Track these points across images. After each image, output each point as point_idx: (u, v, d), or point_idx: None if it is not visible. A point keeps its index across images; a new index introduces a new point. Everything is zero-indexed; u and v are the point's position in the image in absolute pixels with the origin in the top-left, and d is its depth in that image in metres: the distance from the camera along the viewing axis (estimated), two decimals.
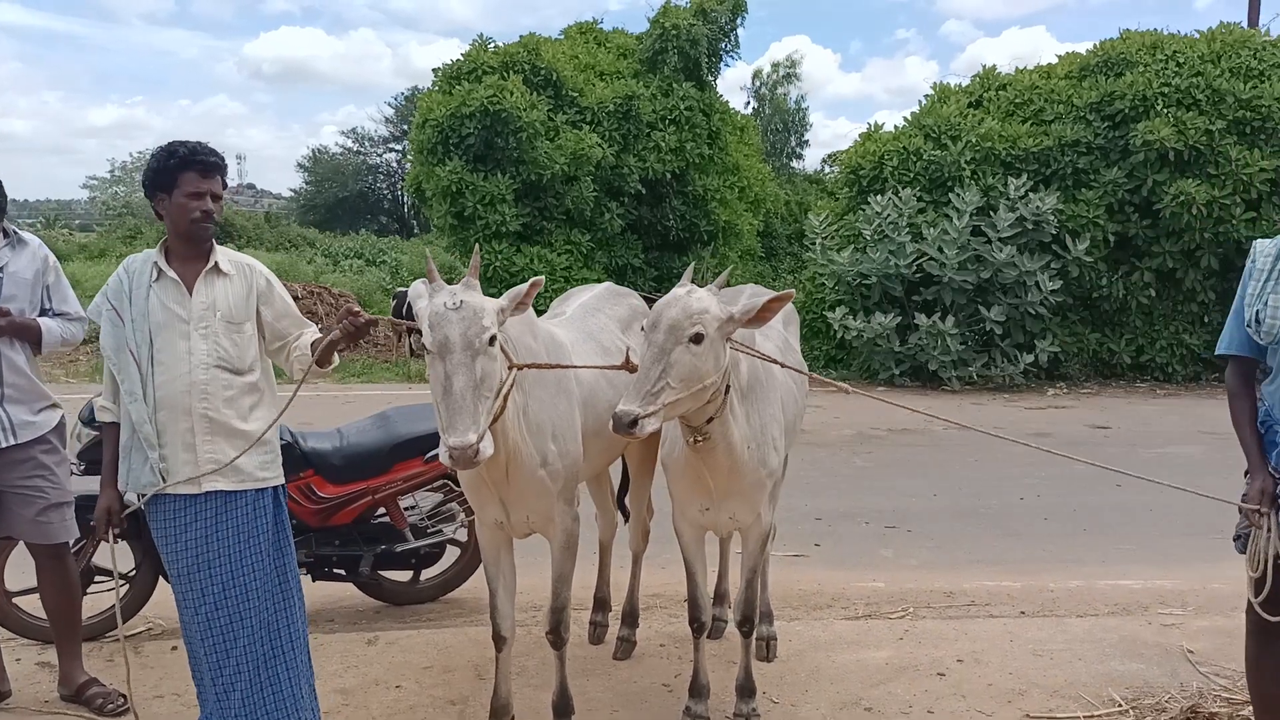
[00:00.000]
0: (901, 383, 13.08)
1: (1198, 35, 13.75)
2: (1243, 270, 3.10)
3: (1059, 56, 14.71)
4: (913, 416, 11.22)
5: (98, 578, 4.62)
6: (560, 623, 3.57)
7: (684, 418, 3.20)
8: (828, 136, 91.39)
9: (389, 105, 57.17)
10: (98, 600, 4.64)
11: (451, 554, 5.28)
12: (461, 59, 16.63)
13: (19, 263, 3.71)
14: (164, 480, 3.18)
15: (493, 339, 2.89)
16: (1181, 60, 13.09)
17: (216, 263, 3.25)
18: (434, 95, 16.30)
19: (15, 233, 3.75)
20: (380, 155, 51.52)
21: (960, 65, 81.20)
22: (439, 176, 15.52)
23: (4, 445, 3.66)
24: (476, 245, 3.35)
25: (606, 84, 17.08)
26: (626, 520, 4.65)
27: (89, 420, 4.28)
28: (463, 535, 5.22)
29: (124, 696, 3.87)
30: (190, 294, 3.21)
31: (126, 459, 3.24)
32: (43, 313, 3.79)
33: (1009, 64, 14.25)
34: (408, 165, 54.89)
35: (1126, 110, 13.01)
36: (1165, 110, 12.72)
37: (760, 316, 3.10)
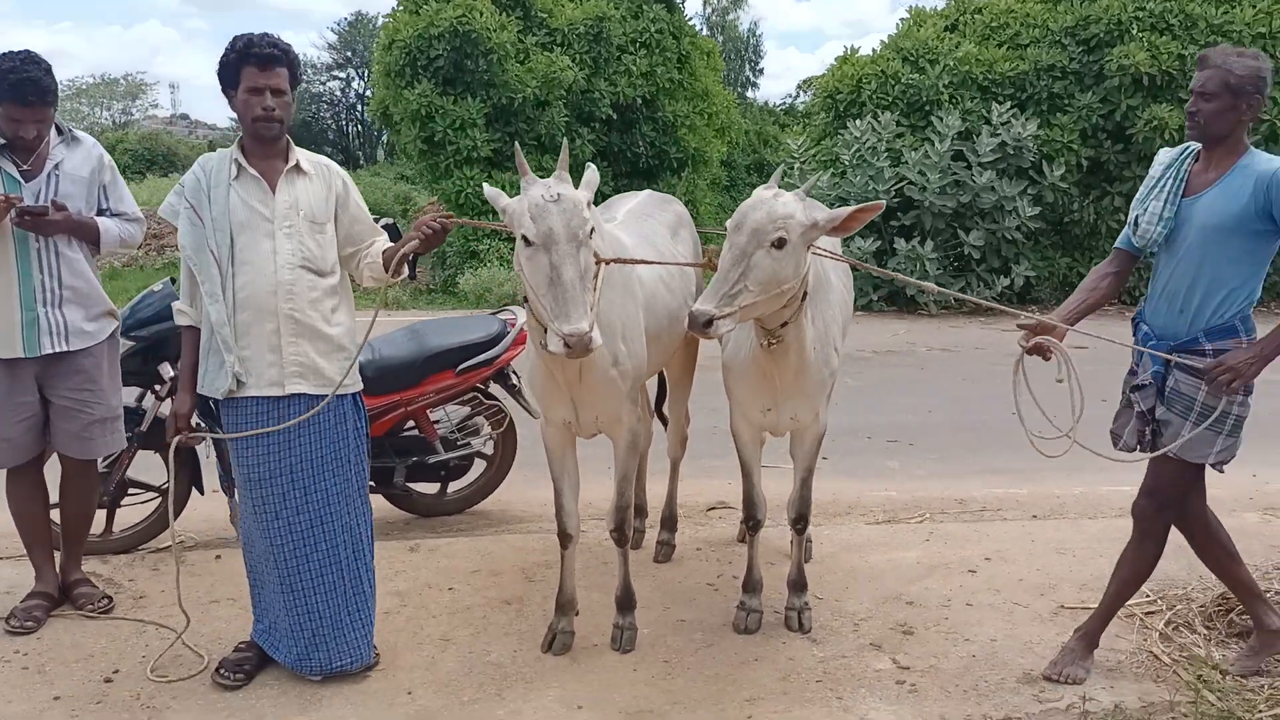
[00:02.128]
0: (879, 308, 13.22)
1: None
2: None
3: None
4: (895, 338, 11.46)
5: (131, 490, 4.59)
6: (624, 520, 3.63)
7: (759, 320, 3.23)
8: (778, 68, 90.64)
9: (331, 31, 55.56)
10: (128, 514, 4.63)
11: (477, 468, 5.31)
12: None
13: (74, 160, 3.61)
14: (240, 383, 3.16)
15: (592, 230, 2.90)
16: None
17: (298, 161, 3.19)
18: (400, 16, 15.90)
19: (70, 130, 3.64)
20: (324, 84, 50.14)
21: None
22: (407, 100, 15.22)
23: (55, 350, 3.59)
24: (564, 141, 3.33)
25: (576, 5, 16.79)
26: (665, 427, 4.70)
27: (128, 329, 4.22)
28: (489, 449, 5.25)
29: (109, 598, 3.90)
30: (274, 192, 3.16)
31: (204, 361, 3.21)
32: (100, 213, 3.70)
33: None
34: (354, 93, 53.25)
35: (1101, 35, 13.10)
36: (1140, 35, 12.83)
37: (845, 226, 3.12)
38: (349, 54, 54.72)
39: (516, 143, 3.59)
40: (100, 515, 4.38)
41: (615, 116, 16.81)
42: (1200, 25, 12.74)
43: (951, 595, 4.19)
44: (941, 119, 12.80)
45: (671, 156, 17.79)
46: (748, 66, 43.40)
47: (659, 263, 3.53)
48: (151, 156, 31.55)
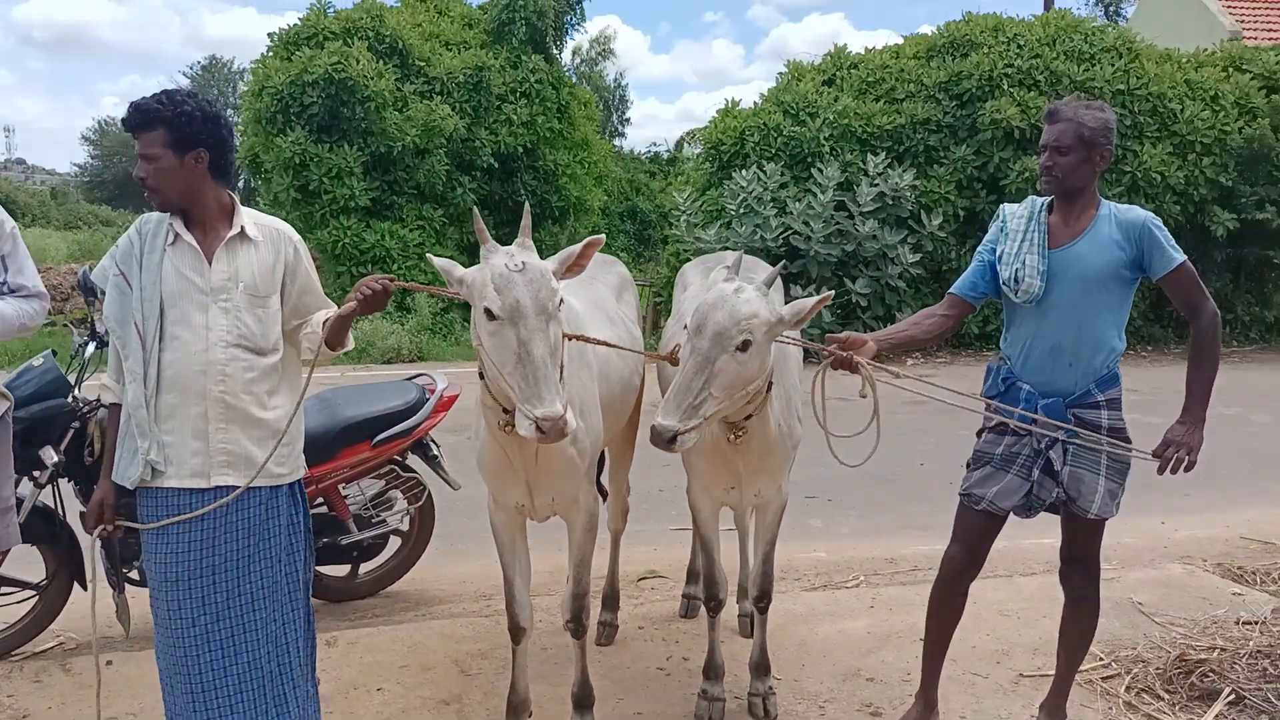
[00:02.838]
0: None
1: (1034, 19, 14.51)
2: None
3: (904, 38, 15.25)
4: None
5: (3, 589, 4.07)
6: (582, 609, 3.34)
7: (723, 418, 3.04)
8: (639, 117, 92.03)
9: (184, 75, 53.89)
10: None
11: (392, 546, 4.94)
12: (300, 24, 15.75)
13: None
14: (156, 472, 2.76)
15: (561, 301, 2.65)
16: (1022, 43, 13.79)
17: (243, 227, 2.82)
18: (271, 61, 15.35)
19: None
20: None
21: (764, 49, 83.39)
22: (280, 147, 14.65)
23: None
24: (527, 204, 3.06)
25: (454, 54, 16.55)
26: (604, 500, 4.44)
27: None
28: (405, 524, 4.89)
29: None
30: (209, 261, 2.78)
31: (120, 445, 2.80)
32: None
33: (810, 51, 14.77)
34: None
35: (973, 90, 13.59)
36: (1009, 90, 13.36)
37: (807, 318, 2.96)
38: (205, 100, 53.05)
39: (475, 208, 3.28)
40: None
41: (497, 165, 16.58)
42: (1064, 81, 13.35)
43: (909, 668, 4.03)
44: (822, 170, 13.01)
45: (553, 205, 17.65)
46: (615, 116, 43.83)
47: (623, 348, 3.32)
48: None
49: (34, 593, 4.17)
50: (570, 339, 2.90)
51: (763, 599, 3.65)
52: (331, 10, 16.22)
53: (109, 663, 3.95)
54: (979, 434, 3.37)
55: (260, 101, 14.86)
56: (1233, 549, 5.76)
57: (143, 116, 2.70)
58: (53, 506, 4.10)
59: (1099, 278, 3.10)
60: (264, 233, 2.91)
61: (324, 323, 2.96)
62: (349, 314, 2.80)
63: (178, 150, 2.72)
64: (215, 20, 75.77)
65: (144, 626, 4.24)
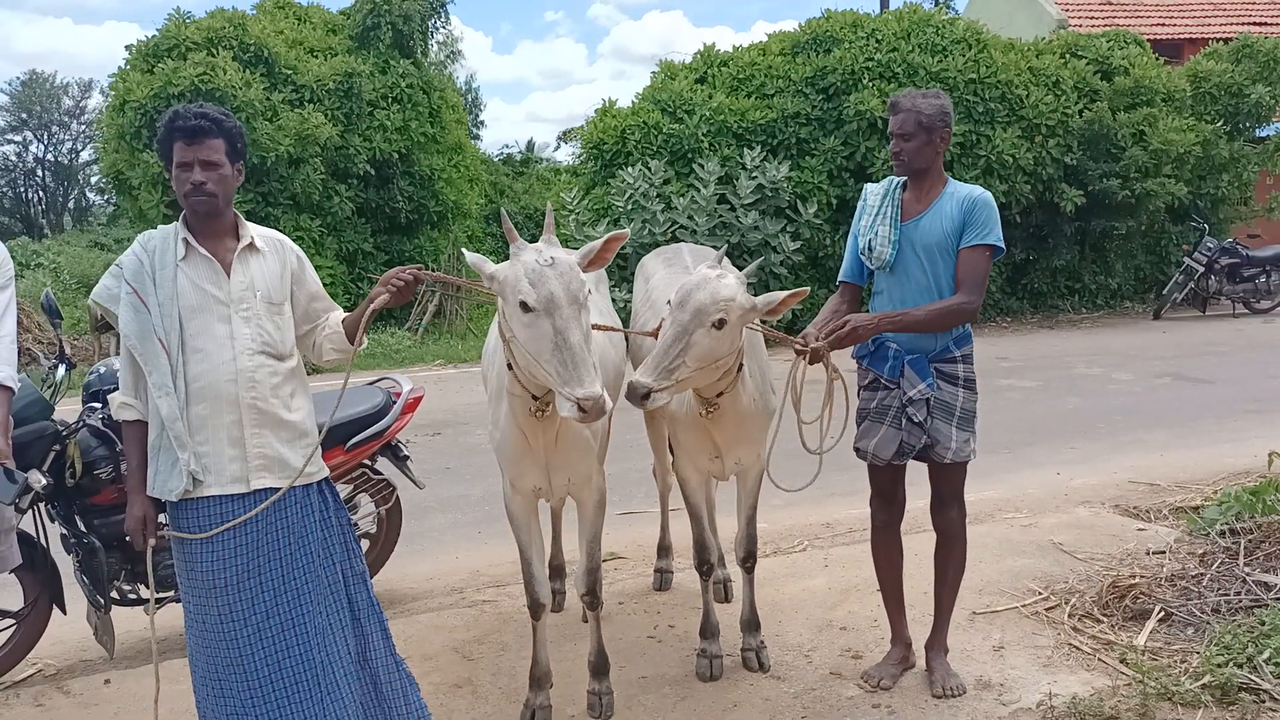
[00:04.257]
0: None
1: (889, 15, 15.28)
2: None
3: (768, 35, 15.83)
4: None
5: None
6: (596, 583, 3.58)
7: (696, 390, 3.35)
8: (487, 119, 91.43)
9: (2, 92, 50.97)
10: None
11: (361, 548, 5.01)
12: (159, 35, 15.22)
13: None
14: (197, 482, 2.86)
15: (589, 292, 2.87)
16: (880, 37, 14.51)
17: (251, 239, 2.94)
18: (131, 75, 14.78)
19: None
20: None
21: (606, 48, 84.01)
22: (147, 163, 14.17)
23: None
24: (549, 204, 3.26)
25: (321, 61, 16.28)
26: None
27: None
28: (374, 527, 4.98)
29: None
30: (228, 273, 2.89)
31: (155, 460, 2.87)
32: None
33: (654, 50, 15.24)
34: (32, 157, 48.77)
35: (838, 83, 14.23)
36: (871, 83, 14.06)
37: (778, 310, 3.29)
38: (24, 116, 50.33)
39: (503, 209, 3.46)
40: None
41: (373, 172, 16.40)
42: (920, 73, 14.13)
43: (874, 615, 4.40)
44: (703, 165, 13.42)
45: (431, 210, 17.56)
46: (470, 119, 43.54)
47: (625, 330, 3.57)
48: None
49: (13, 621, 4.12)
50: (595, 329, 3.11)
51: (749, 559, 3.95)
52: (190, 20, 15.73)
53: (107, 681, 3.96)
54: (859, 391, 3.76)
55: (123, 117, 14.33)
56: (1124, 492, 6.36)
57: (210, 124, 2.84)
58: (32, 533, 4.06)
59: (940, 247, 3.53)
60: (268, 243, 3.05)
61: (343, 322, 3.12)
62: (380, 306, 2.96)
63: (232, 160, 2.86)
64: (28, 32, 71.35)
65: (126, 647, 4.25)
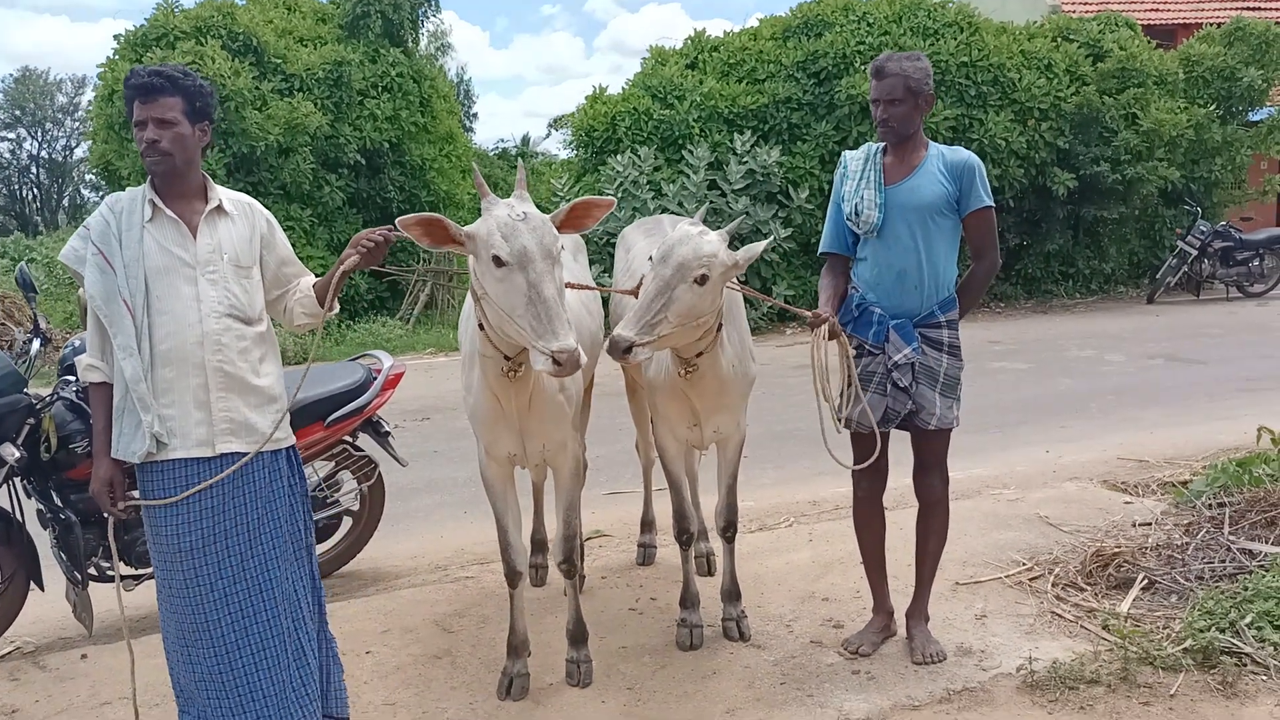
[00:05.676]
0: None
1: None
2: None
3: (760, 20, 15.77)
4: None
5: None
6: (573, 550, 3.55)
7: (675, 350, 3.33)
8: (482, 114, 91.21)
9: None
10: None
11: (344, 526, 5.00)
12: (147, 24, 15.17)
13: None
14: (161, 445, 2.83)
15: (562, 247, 2.84)
16: (871, 21, 14.46)
17: (220, 202, 2.91)
18: (120, 65, 14.72)
19: None
20: None
21: (603, 41, 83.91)
22: (135, 153, 14.09)
23: None
24: (520, 160, 3.22)
25: (311, 50, 16.22)
26: None
27: None
28: (356, 504, 4.96)
29: None
30: (194, 235, 2.86)
31: (119, 422, 2.84)
32: None
33: (652, 40, 15.21)
34: (27, 154, 48.68)
35: (829, 68, 14.18)
36: (862, 67, 13.99)
37: (753, 259, 3.32)
38: (18, 113, 50.30)
39: (475, 165, 3.43)
40: None
41: (364, 162, 16.35)
42: None
43: (856, 587, 4.37)
44: (693, 151, 13.38)
45: (422, 200, 17.50)
46: (462, 112, 43.46)
47: (604, 289, 3.53)
48: None
49: None
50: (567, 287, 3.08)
51: (729, 529, 3.93)
52: (179, 9, 15.67)
53: (84, 656, 3.93)
54: None
55: (111, 107, 14.28)
56: (1113, 468, 6.34)
57: (164, 81, 2.79)
58: (6, 508, 4.04)
59: (930, 209, 3.50)
60: (237, 207, 3.01)
61: (314, 286, 3.09)
62: (351, 268, 2.92)
63: (191, 119, 2.81)
64: (23, 31, 71.06)
65: (106, 625, 4.22)
